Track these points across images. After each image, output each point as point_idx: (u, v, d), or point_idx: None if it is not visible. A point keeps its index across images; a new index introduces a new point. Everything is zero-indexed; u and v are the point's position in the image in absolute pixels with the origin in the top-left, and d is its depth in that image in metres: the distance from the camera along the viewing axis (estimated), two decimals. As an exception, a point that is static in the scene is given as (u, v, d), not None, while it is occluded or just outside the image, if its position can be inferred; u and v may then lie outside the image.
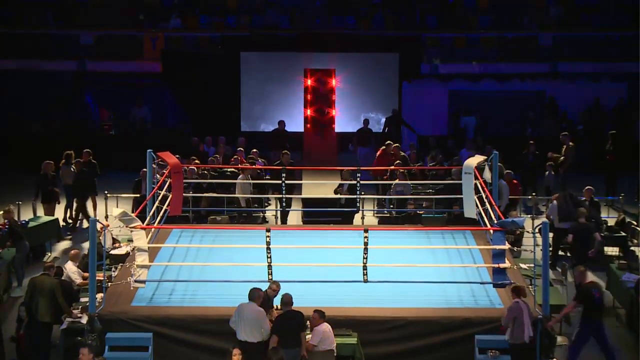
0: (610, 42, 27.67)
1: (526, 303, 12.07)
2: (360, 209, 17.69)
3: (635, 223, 17.89)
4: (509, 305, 12.06)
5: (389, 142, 21.28)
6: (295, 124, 26.21)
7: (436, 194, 18.86)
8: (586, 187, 18.39)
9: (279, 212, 19.03)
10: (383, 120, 25.67)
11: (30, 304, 12.83)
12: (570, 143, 21.74)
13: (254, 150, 20.93)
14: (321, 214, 18.37)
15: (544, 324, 12.23)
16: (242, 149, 21.13)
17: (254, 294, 11.94)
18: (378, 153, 21.28)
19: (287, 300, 11.91)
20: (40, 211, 19.36)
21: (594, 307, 12.75)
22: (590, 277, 13.79)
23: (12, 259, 15.87)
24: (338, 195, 18.49)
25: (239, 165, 19.70)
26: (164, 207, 15.73)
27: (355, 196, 17.24)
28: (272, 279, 12.74)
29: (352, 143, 24.71)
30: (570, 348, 12.86)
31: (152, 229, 15.06)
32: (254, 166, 19.92)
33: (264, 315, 11.88)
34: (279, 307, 12.28)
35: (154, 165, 16.39)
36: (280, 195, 17.37)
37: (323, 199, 18.88)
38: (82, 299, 13.34)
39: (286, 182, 17.15)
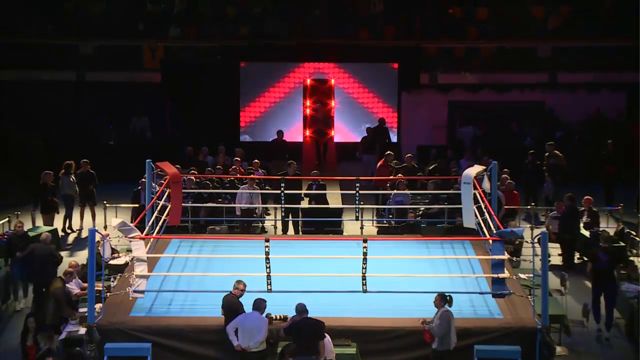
0: (609, 52, 27.70)
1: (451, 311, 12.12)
2: (360, 218, 17.68)
3: (634, 233, 17.88)
4: (441, 315, 11.99)
5: (389, 152, 21.28)
6: (295, 134, 26.27)
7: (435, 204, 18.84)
8: (585, 197, 18.39)
9: (278, 222, 19.03)
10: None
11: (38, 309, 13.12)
12: (556, 151, 21.79)
13: (256, 160, 20.92)
14: (321, 224, 18.38)
15: (543, 334, 12.21)
16: (239, 159, 21.16)
17: (260, 305, 12.05)
18: (379, 164, 21.29)
19: (301, 308, 11.97)
20: (40, 221, 19.35)
21: (597, 269, 14.48)
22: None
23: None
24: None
25: (238, 175, 19.72)
26: (163, 217, 15.73)
27: (351, 206, 17.17)
28: (271, 289, 12.74)
29: (358, 151, 24.71)
30: (592, 310, 14.50)
31: (151, 239, 15.06)
32: (253, 176, 19.93)
33: (267, 324, 12.00)
34: (278, 316, 12.45)
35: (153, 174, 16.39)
36: (280, 205, 17.34)
37: (323, 209, 18.88)
38: (81, 309, 13.34)
39: (287, 192, 17.12)
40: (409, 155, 21.41)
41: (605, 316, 14.42)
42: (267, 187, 19.81)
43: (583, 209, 18.38)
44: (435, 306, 12.14)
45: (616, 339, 14.48)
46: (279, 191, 17.13)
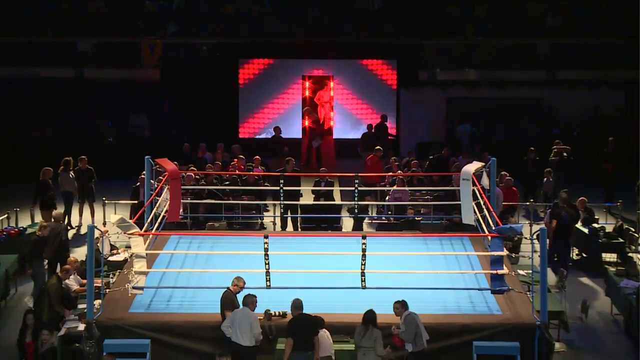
0: (608, 49, 27.71)
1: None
2: (358, 215, 17.68)
3: (633, 229, 17.88)
4: (406, 319, 11.91)
5: (378, 147, 21.34)
6: (294, 131, 26.26)
7: (434, 200, 18.85)
8: (579, 199, 18.18)
9: (277, 219, 19.03)
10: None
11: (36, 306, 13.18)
12: (567, 147, 21.82)
13: (257, 157, 20.91)
14: (320, 221, 18.40)
15: (542, 330, 12.21)
16: (242, 156, 21.15)
17: (247, 300, 12.07)
18: (369, 158, 21.33)
19: (298, 304, 11.98)
20: (39, 218, 19.33)
21: (560, 227, 16.41)
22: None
23: (11, 265, 15.82)
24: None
25: (237, 172, 19.73)
26: (162, 214, 15.72)
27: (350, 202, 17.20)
28: (270, 285, 12.75)
29: (360, 148, 24.71)
30: (550, 263, 15.67)
31: (150, 236, 15.05)
32: (251, 172, 19.96)
33: (257, 320, 11.97)
34: (277, 312, 12.45)
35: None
36: (279, 202, 17.33)
37: (321, 205, 18.88)
38: (80, 306, 13.34)
39: (285, 188, 17.12)
40: (414, 161, 21.29)
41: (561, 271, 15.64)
42: (266, 184, 19.83)
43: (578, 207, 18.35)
44: (397, 314, 12.05)
45: (615, 335, 14.51)
46: (278, 188, 17.10)
